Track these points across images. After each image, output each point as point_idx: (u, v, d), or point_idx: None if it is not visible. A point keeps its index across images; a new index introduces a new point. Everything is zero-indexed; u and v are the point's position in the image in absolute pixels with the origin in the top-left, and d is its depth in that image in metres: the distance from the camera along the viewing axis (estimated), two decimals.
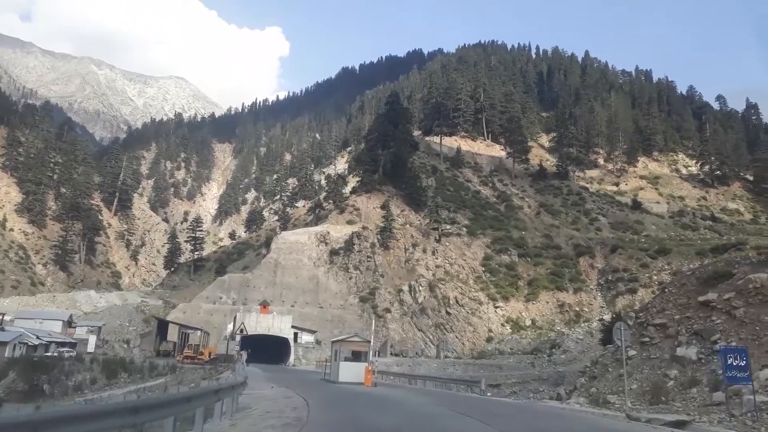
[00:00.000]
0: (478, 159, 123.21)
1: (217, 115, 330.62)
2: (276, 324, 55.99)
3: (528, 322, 70.41)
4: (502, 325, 69.37)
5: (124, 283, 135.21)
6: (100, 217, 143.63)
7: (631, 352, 22.58)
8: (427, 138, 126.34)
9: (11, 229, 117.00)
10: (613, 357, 24.87)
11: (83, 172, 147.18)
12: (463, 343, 63.77)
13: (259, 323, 55.46)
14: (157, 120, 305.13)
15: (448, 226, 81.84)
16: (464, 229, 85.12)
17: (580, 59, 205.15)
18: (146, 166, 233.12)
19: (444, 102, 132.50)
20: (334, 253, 73.05)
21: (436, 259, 74.26)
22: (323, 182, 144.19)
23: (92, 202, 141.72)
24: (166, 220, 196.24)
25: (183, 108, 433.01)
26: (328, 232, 74.61)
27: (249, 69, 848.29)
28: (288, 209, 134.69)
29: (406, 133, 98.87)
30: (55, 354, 38.13)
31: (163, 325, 54.88)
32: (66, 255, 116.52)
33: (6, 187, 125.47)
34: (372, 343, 30.13)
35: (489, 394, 28.59)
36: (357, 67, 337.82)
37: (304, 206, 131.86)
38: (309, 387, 25.74)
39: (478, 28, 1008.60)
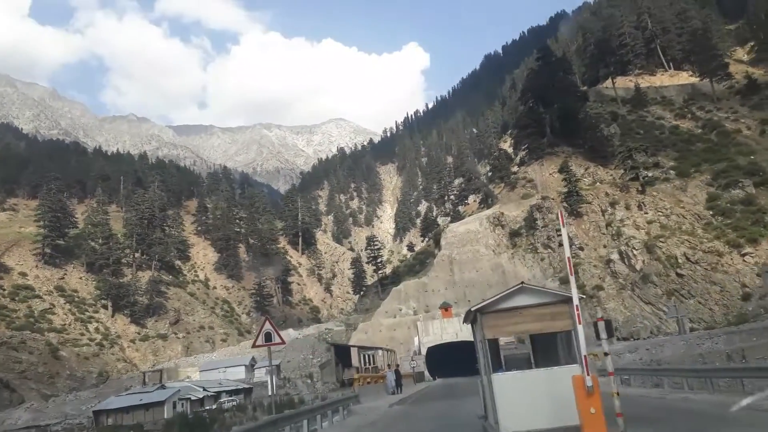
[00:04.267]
0: (665, 92, 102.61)
1: (375, 141, 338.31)
2: (464, 327, 47.03)
3: None
4: (758, 275, 52.22)
5: (323, 316, 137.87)
6: (288, 257, 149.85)
7: None
8: (594, 87, 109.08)
9: (214, 287, 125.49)
10: None
11: (265, 221, 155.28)
12: (710, 309, 48.44)
13: (445, 330, 47.18)
14: (323, 160, 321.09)
15: (648, 173, 66.08)
16: (671, 171, 68.37)
17: None
18: (323, 203, 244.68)
19: (606, 40, 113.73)
20: (514, 234, 62.27)
21: (645, 213, 59.36)
22: (488, 171, 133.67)
23: (278, 246, 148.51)
24: (351, 249, 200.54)
25: (347, 145, 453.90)
26: (502, 213, 64.13)
27: (396, 91, 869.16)
28: (459, 208, 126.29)
29: (569, 84, 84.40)
30: (214, 407, 34.07)
31: (342, 351, 49.24)
32: (264, 300, 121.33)
33: (203, 250, 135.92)
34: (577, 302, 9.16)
35: None
36: (500, 51, 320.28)
37: (474, 201, 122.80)
38: None
39: None
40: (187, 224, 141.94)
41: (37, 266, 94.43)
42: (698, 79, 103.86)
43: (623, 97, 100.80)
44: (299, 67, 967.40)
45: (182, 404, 35.78)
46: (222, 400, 38.40)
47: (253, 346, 16.97)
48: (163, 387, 38.16)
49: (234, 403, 35.09)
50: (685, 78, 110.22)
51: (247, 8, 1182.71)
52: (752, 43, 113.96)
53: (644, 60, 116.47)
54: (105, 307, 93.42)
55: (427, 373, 46.87)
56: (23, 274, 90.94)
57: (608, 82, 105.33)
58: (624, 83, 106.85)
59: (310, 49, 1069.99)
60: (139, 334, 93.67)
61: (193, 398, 37.15)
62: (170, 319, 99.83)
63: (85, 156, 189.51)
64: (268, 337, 16.55)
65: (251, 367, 53.56)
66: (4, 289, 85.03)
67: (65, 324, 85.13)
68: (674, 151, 75.08)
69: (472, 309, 10.71)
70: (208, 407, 35.43)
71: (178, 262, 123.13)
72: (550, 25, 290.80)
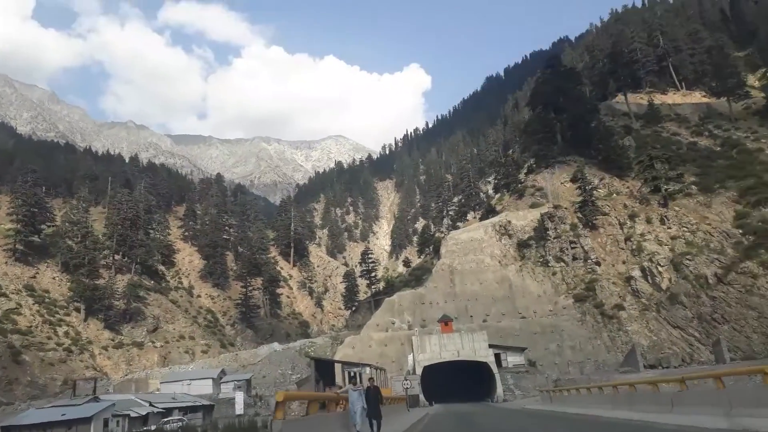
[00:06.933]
0: (678, 110, 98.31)
1: (374, 158, 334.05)
2: (466, 345, 41.19)
3: None
4: None
5: (312, 331, 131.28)
6: (278, 268, 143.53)
7: None
8: (605, 102, 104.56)
9: (198, 296, 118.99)
10: None
11: (256, 230, 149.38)
12: (747, 336, 42.66)
13: (444, 347, 41.19)
14: (320, 173, 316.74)
15: (669, 186, 60.87)
16: (693, 186, 63.27)
17: None
18: (318, 216, 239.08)
19: (618, 54, 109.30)
20: (522, 245, 56.73)
21: (669, 228, 53.98)
22: (490, 191, 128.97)
23: (269, 255, 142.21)
24: (345, 264, 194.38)
25: (345, 161, 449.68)
26: (509, 222, 58.62)
27: (397, 111, 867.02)
28: (458, 224, 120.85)
29: (580, 94, 79.57)
30: (153, 428, 27.89)
31: (325, 367, 43.12)
32: (250, 311, 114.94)
33: (189, 256, 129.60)
34: None
35: None
36: (502, 73, 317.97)
37: (474, 218, 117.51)
38: None
39: None
40: (174, 229, 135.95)
41: (6, 263, 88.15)
42: (713, 99, 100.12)
43: (636, 113, 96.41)
44: (301, 82, 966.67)
45: (117, 422, 29.36)
46: (168, 419, 31.93)
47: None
48: (96, 399, 31.74)
49: (182, 423, 28.73)
50: (698, 98, 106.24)
51: (251, 21, 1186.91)
52: (764, 70, 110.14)
53: (656, 77, 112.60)
54: (78, 310, 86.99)
55: (422, 397, 40.84)
56: None
57: (620, 97, 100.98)
58: (635, 100, 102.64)
59: (313, 65, 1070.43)
60: (113, 340, 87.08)
61: (133, 415, 30.76)
62: (148, 327, 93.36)
63: (74, 155, 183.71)
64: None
65: (218, 380, 47.07)
66: None
67: (31, 326, 78.62)
68: (695, 166, 70.09)
69: None
70: (148, 427, 29.13)
71: (161, 267, 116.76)
72: (553, 49, 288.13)
